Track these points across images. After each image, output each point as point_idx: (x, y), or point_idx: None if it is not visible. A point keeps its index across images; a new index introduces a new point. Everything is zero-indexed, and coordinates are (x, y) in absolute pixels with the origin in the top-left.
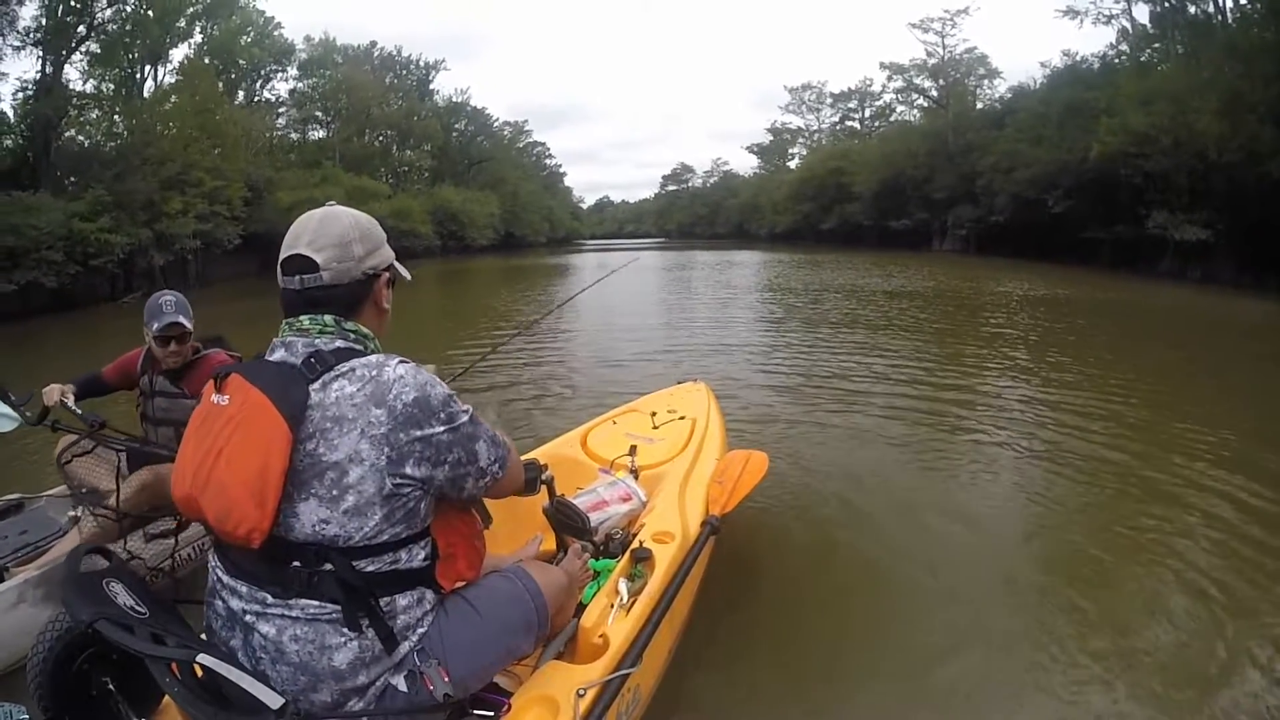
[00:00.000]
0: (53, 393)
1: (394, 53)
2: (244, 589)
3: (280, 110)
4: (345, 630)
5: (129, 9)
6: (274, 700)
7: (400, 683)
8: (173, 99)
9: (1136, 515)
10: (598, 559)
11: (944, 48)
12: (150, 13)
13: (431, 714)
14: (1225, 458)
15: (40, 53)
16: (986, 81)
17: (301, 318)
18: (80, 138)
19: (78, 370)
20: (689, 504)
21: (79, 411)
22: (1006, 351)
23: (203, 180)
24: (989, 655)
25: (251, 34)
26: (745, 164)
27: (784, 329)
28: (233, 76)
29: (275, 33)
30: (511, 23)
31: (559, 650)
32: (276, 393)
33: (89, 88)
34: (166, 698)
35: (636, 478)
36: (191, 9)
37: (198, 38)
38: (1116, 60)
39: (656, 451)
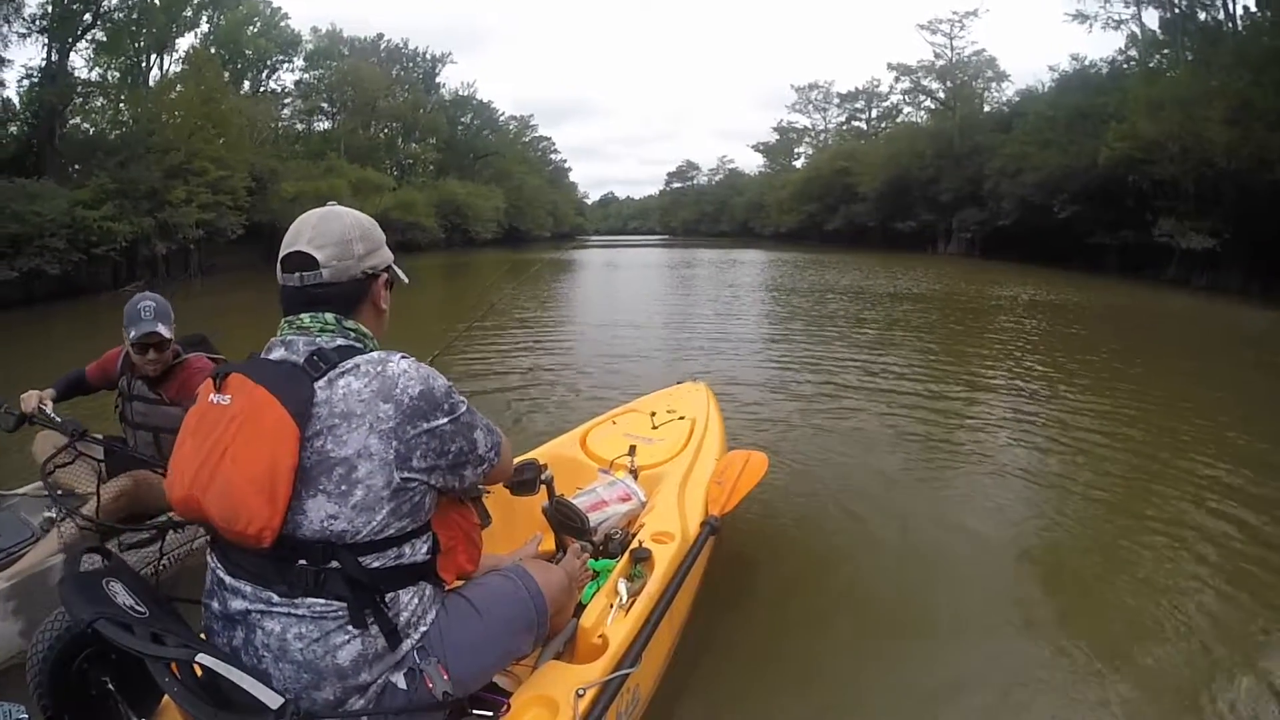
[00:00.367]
0: (30, 399)
1: (400, 45)
2: (247, 589)
3: (286, 101)
4: (350, 628)
5: None
6: (274, 700)
7: (400, 680)
8: (178, 88)
9: (1142, 527)
10: (597, 559)
11: (952, 49)
12: (157, 1)
13: (431, 712)
14: (1231, 469)
15: (46, 40)
16: (994, 84)
17: (302, 315)
18: (86, 125)
19: (78, 359)
20: (688, 504)
21: (57, 419)
22: (1010, 357)
23: (206, 170)
24: (988, 657)
25: (258, 24)
26: (751, 162)
27: (786, 330)
28: (239, 67)
29: (282, 23)
30: (518, 17)
31: (558, 650)
32: (282, 390)
33: (94, 76)
34: (166, 697)
35: (636, 478)
36: None
37: (204, 27)
38: (1125, 66)
39: (656, 451)
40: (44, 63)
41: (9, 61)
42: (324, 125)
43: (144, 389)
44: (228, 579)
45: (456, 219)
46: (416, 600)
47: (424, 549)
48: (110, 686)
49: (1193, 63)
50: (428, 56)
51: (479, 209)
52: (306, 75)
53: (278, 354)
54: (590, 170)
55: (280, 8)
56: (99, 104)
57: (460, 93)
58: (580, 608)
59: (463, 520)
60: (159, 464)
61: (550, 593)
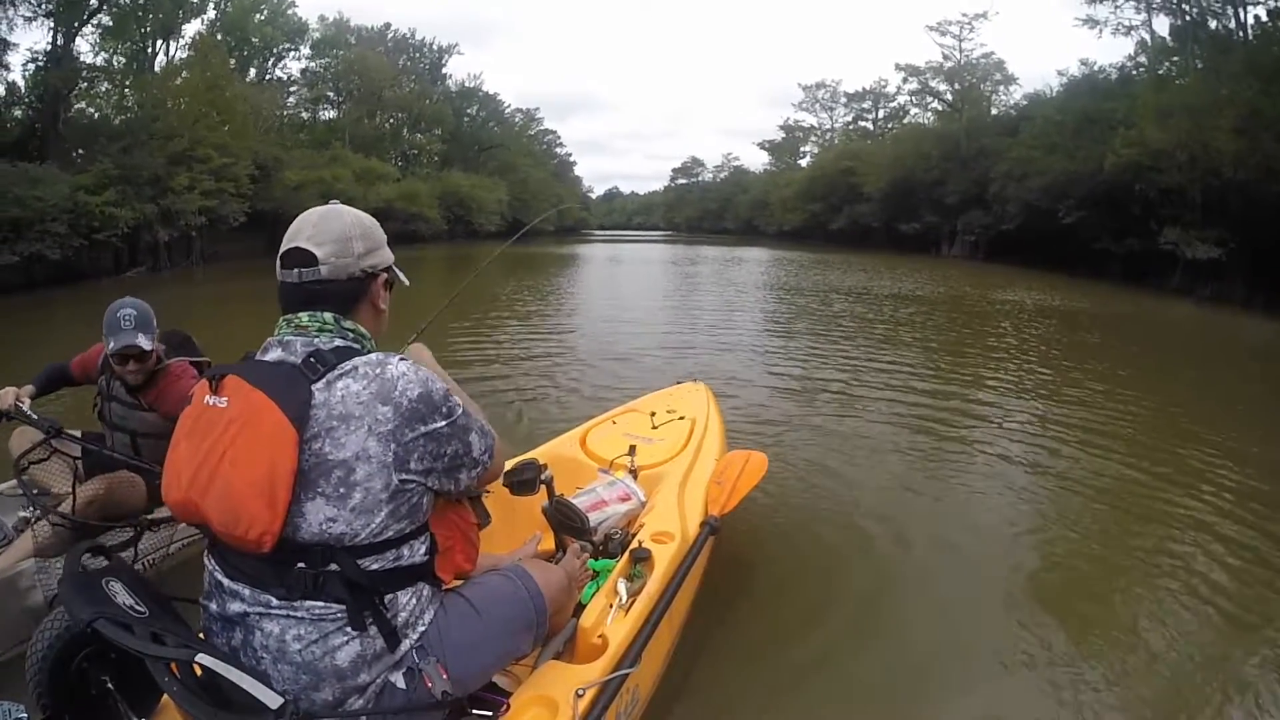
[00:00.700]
0: (6, 396)
1: (407, 35)
2: (246, 591)
3: (291, 89)
4: (349, 630)
5: None
6: (273, 700)
7: (399, 680)
8: (183, 74)
9: (1140, 534)
10: (597, 559)
11: (960, 51)
12: None
13: (430, 712)
14: (1231, 478)
15: (51, 24)
16: (1002, 87)
17: (301, 314)
18: (91, 110)
19: (78, 344)
20: (688, 504)
21: (34, 416)
22: (1013, 362)
23: (210, 157)
24: (988, 658)
25: (265, 11)
26: (756, 160)
27: (789, 330)
28: (245, 54)
29: (289, 11)
30: (526, 10)
31: (558, 650)
32: (279, 393)
33: (100, 61)
34: (166, 697)
35: (636, 478)
36: None
37: (210, 13)
38: (1134, 72)
39: (656, 451)
40: (49, 47)
41: (14, 45)
42: (329, 114)
43: (123, 392)
44: (226, 581)
45: (460, 211)
46: (414, 601)
47: (422, 550)
48: (110, 686)
49: (1202, 71)
50: (434, 47)
51: (483, 201)
52: (313, 64)
53: (274, 355)
54: (595, 165)
55: None
56: (104, 89)
57: (466, 84)
58: (580, 608)
59: (460, 520)
60: (136, 464)
61: (549, 592)
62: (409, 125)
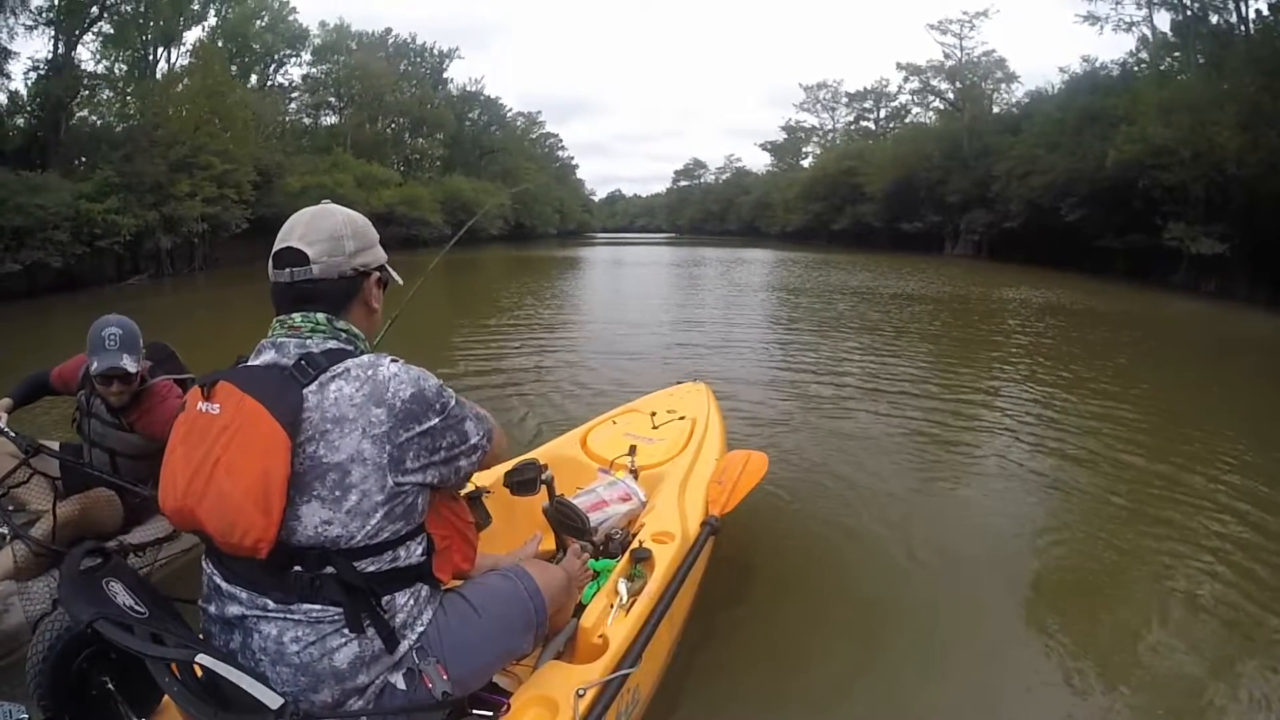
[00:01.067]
0: None
1: (408, 40)
2: (244, 595)
3: (293, 95)
4: (347, 632)
5: None
6: (273, 700)
7: (399, 681)
8: (184, 81)
9: (1141, 533)
10: (597, 559)
11: (962, 50)
12: None
13: (430, 712)
14: (1235, 478)
15: (52, 32)
16: (1004, 85)
17: (294, 315)
18: (93, 118)
19: (78, 352)
20: (688, 504)
21: (12, 434)
22: (1017, 361)
23: (212, 164)
24: (988, 659)
25: (266, 18)
26: (758, 161)
27: (791, 330)
28: (246, 60)
29: (290, 17)
30: (526, 13)
31: (558, 650)
32: (270, 399)
33: (101, 68)
34: (166, 697)
35: (636, 478)
36: None
37: (211, 20)
38: (1136, 68)
39: (656, 451)
40: (50, 55)
41: (15, 54)
42: (331, 119)
43: (104, 410)
44: (224, 585)
45: (462, 215)
46: (413, 602)
47: (419, 550)
48: (110, 686)
49: (1204, 66)
50: (435, 52)
51: (485, 205)
52: (314, 69)
53: (267, 357)
54: (597, 167)
55: (288, 2)
56: (105, 97)
57: (468, 88)
58: (580, 608)
59: (456, 519)
60: (115, 483)
61: (549, 592)
62: (410, 130)
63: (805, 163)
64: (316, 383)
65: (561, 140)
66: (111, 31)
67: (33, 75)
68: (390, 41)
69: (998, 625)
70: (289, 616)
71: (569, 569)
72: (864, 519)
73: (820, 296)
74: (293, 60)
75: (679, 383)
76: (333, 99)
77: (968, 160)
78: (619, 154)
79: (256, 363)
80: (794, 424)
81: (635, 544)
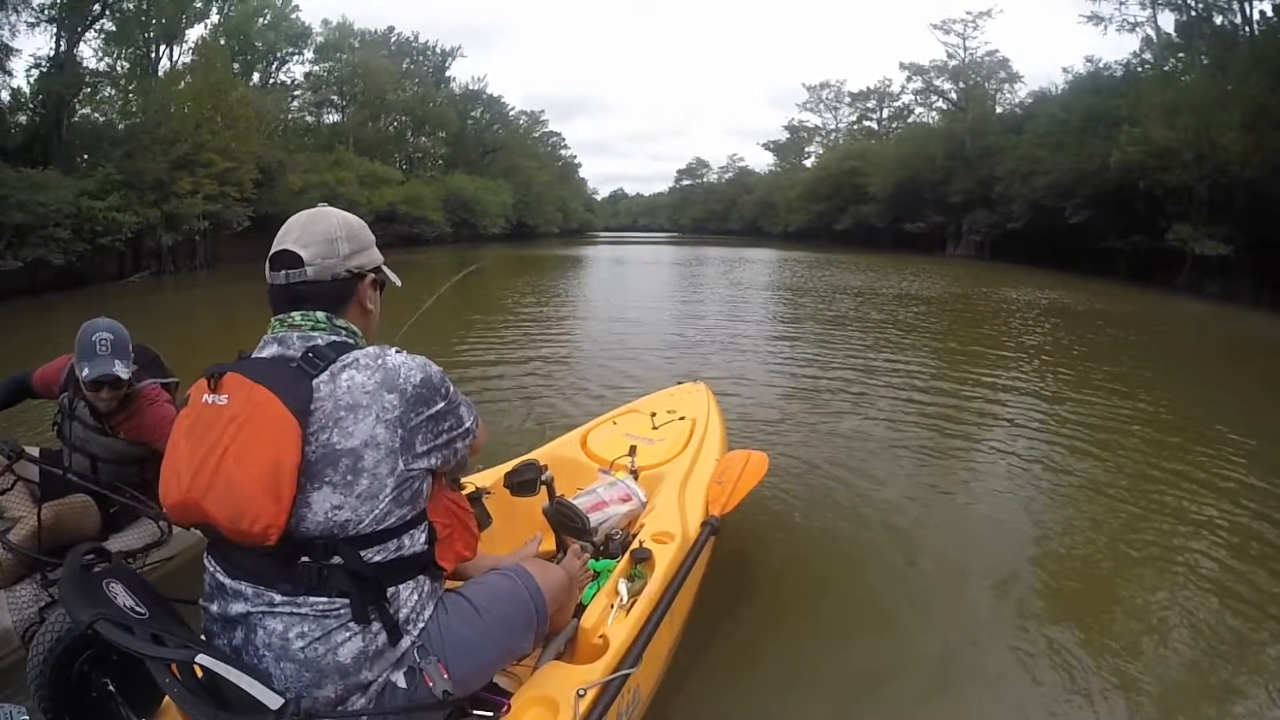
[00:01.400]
0: None
1: (411, 38)
2: (249, 590)
3: (295, 94)
4: (352, 625)
5: None
6: (274, 701)
7: (400, 679)
8: (186, 79)
9: (1148, 534)
10: (597, 559)
11: (965, 50)
12: None
13: (431, 712)
14: (1238, 482)
15: (55, 29)
16: (1007, 85)
17: (293, 314)
18: (96, 115)
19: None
20: (689, 504)
21: None
22: (1020, 361)
23: (213, 161)
24: (989, 660)
25: (268, 16)
26: (761, 161)
27: (792, 330)
28: (248, 59)
29: (292, 15)
30: (529, 12)
31: (559, 650)
32: (280, 387)
33: (103, 66)
34: (167, 698)
35: (636, 478)
36: None
37: (214, 18)
38: (1140, 69)
39: (656, 452)
40: (53, 52)
41: (17, 51)
42: (333, 118)
43: (87, 414)
44: (228, 582)
45: (464, 214)
46: (416, 596)
47: (421, 539)
48: (111, 688)
49: (1208, 67)
50: (438, 50)
51: (487, 204)
52: (316, 68)
53: (271, 350)
54: (600, 166)
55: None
56: (107, 94)
57: (470, 87)
58: (581, 608)
59: (456, 507)
60: (95, 490)
61: (550, 591)
62: (413, 128)
63: (808, 162)
64: (327, 373)
65: (564, 139)
66: (114, 29)
67: (35, 72)
68: (393, 40)
69: (1002, 625)
70: (295, 611)
71: (569, 568)
72: (864, 519)
73: (822, 296)
74: (295, 58)
75: (679, 383)
76: (335, 97)
77: (971, 160)
78: (622, 153)
79: (261, 356)
80: (794, 424)
81: (635, 544)
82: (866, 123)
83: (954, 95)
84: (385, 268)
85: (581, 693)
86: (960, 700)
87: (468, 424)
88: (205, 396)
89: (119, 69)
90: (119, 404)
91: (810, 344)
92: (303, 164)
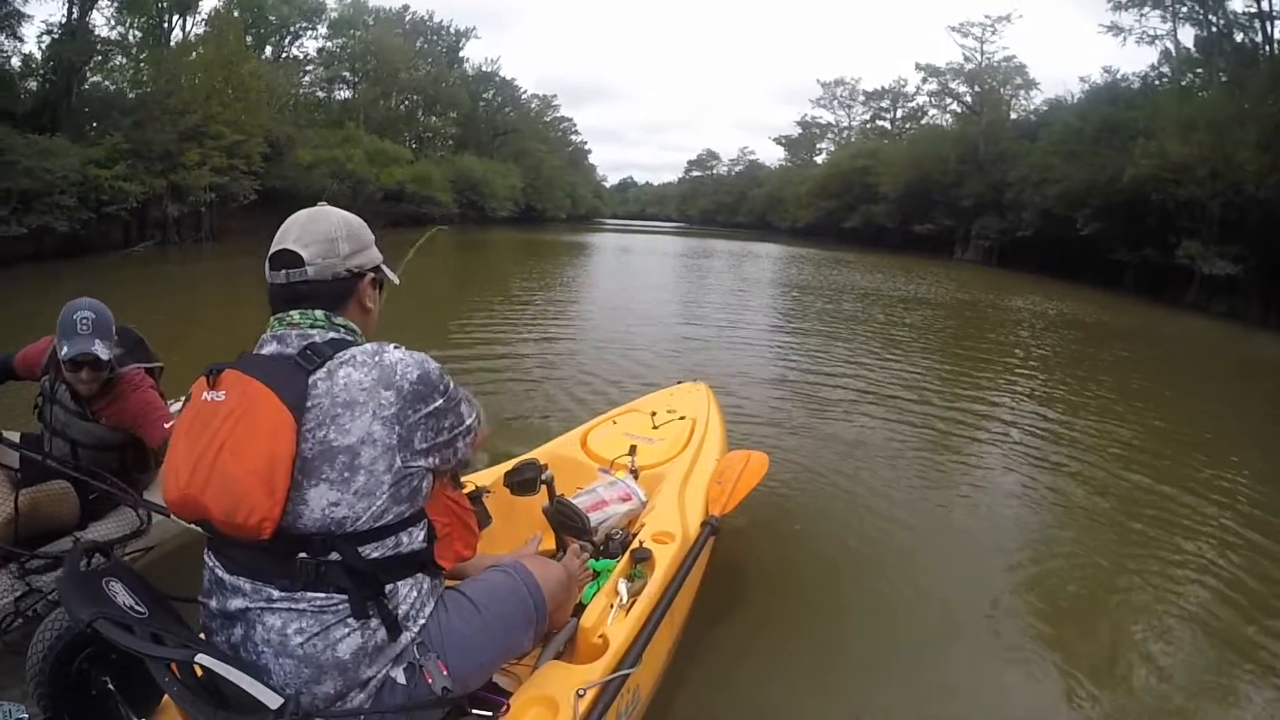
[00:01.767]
0: None
1: (425, 18)
2: (247, 586)
3: (307, 69)
4: (350, 621)
5: None
6: (273, 700)
7: (400, 676)
8: (198, 50)
9: (1146, 549)
10: (597, 559)
11: (982, 54)
12: None
13: (430, 709)
14: (1237, 499)
15: None
16: (1023, 91)
17: (292, 313)
18: (106, 83)
19: None
20: (689, 504)
21: None
22: (1023, 371)
23: (222, 133)
24: (987, 661)
25: None
26: (772, 155)
27: (797, 329)
28: (261, 32)
29: None
30: None
31: (558, 650)
32: (277, 382)
33: (115, 35)
34: (166, 697)
35: (636, 478)
36: None
37: None
38: (1157, 82)
39: (656, 451)
40: (64, 19)
41: (29, 17)
42: (345, 94)
43: (68, 397)
44: (227, 577)
45: (472, 195)
46: (415, 593)
47: (420, 536)
48: (110, 686)
49: (1226, 84)
50: (452, 30)
51: (496, 186)
52: (329, 43)
53: (270, 349)
54: (610, 154)
55: None
56: (118, 63)
57: (484, 69)
58: (580, 608)
59: (455, 504)
60: (76, 477)
61: (549, 589)
62: (424, 108)
63: (819, 159)
64: (325, 369)
65: (575, 125)
66: None
67: (46, 39)
68: (407, 19)
69: (998, 627)
70: (293, 607)
71: (569, 567)
72: (864, 520)
73: (828, 296)
74: (309, 33)
75: (679, 382)
76: (347, 74)
77: (983, 165)
78: (632, 141)
79: (261, 353)
80: (796, 425)
81: (635, 544)
82: (880, 122)
83: (969, 99)
84: (384, 267)
85: (581, 692)
86: (960, 700)
87: (468, 421)
88: (205, 394)
89: (131, 38)
90: (101, 388)
91: (815, 344)
92: (312, 139)
